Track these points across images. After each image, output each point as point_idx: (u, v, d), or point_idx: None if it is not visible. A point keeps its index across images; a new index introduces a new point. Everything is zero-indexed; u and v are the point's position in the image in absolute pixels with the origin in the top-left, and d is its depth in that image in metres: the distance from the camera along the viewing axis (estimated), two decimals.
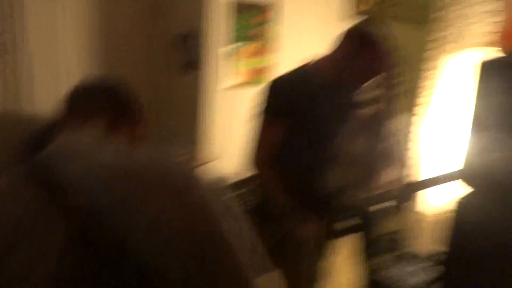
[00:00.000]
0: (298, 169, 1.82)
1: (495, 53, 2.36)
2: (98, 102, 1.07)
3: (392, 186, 1.96)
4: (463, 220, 2.27)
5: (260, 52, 3.10)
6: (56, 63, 2.43)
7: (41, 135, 1.03)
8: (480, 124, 2.03)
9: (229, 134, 3.09)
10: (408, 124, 3.03)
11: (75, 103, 1.07)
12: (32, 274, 0.77)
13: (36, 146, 0.93)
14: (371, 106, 1.91)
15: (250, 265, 0.88)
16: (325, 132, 1.79)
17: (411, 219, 3.26)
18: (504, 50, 2.28)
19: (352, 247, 2.42)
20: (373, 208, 1.96)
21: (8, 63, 2.20)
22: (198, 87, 3.01)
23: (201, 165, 2.73)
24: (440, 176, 1.91)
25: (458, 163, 1.92)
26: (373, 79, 1.84)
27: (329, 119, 1.79)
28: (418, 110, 3.21)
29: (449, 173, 1.90)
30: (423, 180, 2.01)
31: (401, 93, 1.96)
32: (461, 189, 2.34)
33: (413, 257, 3.10)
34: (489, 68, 2.16)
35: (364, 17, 3.32)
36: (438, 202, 3.06)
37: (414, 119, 3.20)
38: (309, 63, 1.87)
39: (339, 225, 1.92)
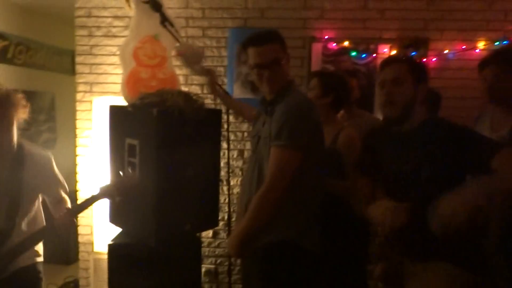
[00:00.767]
0: None
1: (121, 100, 2.60)
2: None
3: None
4: (113, 262, 2.29)
5: None
6: None
7: None
8: (113, 160, 2.40)
9: None
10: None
11: None
12: None
13: None
14: None
15: None
16: None
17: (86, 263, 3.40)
18: (126, 99, 2.51)
19: None
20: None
21: None
22: None
23: None
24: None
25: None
26: None
27: None
28: (75, 146, 3.48)
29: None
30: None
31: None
32: (114, 231, 2.41)
33: None
34: (115, 112, 2.37)
35: None
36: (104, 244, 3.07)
37: (74, 155, 3.46)
38: None
39: None
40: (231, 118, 3.35)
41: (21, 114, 1.88)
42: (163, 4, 2.65)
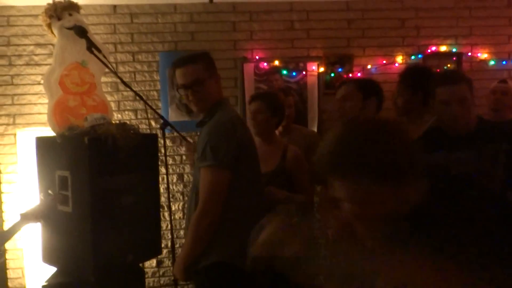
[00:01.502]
0: None
1: (49, 131, 2.48)
2: None
3: None
4: None
5: None
6: None
7: None
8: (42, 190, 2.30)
9: None
10: None
11: None
12: None
13: None
14: None
15: None
16: None
17: None
18: (54, 129, 2.40)
19: None
20: None
21: None
22: None
23: None
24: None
25: None
26: None
27: None
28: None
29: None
30: None
31: None
32: (48, 271, 2.25)
33: None
34: (42, 144, 2.25)
35: None
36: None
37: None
38: None
39: None
40: (168, 142, 3.30)
41: None
42: (88, 29, 2.57)
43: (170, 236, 2.94)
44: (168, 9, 3.32)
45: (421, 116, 2.29)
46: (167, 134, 3.07)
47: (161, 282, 3.32)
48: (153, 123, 3.27)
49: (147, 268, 3.31)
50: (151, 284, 3.33)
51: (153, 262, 3.32)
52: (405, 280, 0.86)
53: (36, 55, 3.24)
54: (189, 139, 2.84)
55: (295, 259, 1.06)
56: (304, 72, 3.38)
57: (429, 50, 3.42)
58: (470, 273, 0.90)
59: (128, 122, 2.77)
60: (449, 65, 3.41)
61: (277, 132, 2.73)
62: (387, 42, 3.43)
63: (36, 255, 2.62)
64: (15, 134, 3.21)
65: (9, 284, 3.24)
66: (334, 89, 3.32)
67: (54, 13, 2.62)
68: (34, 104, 3.25)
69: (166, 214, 3.10)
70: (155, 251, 2.55)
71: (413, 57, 3.40)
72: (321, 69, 3.37)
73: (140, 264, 2.72)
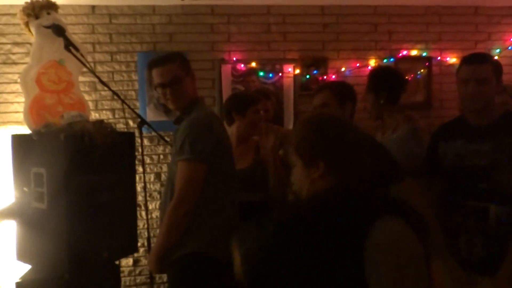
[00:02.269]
0: None
1: (25, 130, 2.48)
2: None
3: None
4: None
5: None
6: None
7: None
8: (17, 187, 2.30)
9: None
10: None
11: None
12: None
13: None
14: None
15: None
16: None
17: None
18: (30, 127, 2.41)
19: None
20: None
21: None
22: None
23: None
24: None
25: None
26: None
27: None
28: None
29: None
30: None
31: None
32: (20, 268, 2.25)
33: None
34: (18, 142, 2.26)
35: None
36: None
37: None
38: None
39: None
40: (146, 141, 3.33)
41: None
42: (66, 28, 2.59)
43: (147, 235, 2.98)
44: (146, 10, 3.36)
45: (391, 115, 2.35)
46: (145, 134, 3.09)
47: (137, 281, 3.34)
48: (131, 122, 3.29)
49: (124, 267, 3.32)
50: (128, 283, 3.34)
51: (130, 261, 3.33)
52: None
53: (13, 53, 3.23)
54: (166, 138, 2.88)
55: None
56: (280, 74, 3.46)
57: (400, 54, 3.55)
58: None
59: (106, 121, 2.79)
60: (422, 70, 3.54)
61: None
62: (361, 46, 3.54)
63: (10, 253, 2.61)
64: None
65: None
66: (309, 90, 3.42)
67: (32, 12, 2.63)
68: (11, 103, 3.23)
69: (143, 213, 3.12)
70: (131, 249, 2.57)
71: (385, 61, 3.52)
72: (297, 71, 3.45)
73: (117, 263, 2.74)
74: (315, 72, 3.46)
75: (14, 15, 3.07)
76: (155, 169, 3.41)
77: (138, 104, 3.35)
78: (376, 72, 2.52)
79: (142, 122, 2.48)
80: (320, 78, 3.44)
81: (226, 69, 3.41)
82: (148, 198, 3.29)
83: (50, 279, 2.22)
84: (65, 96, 2.63)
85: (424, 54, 3.58)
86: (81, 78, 3.22)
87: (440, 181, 2.02)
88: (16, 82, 3.19)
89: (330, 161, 1.15)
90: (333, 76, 3.49)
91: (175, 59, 2.02)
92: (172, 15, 3.40)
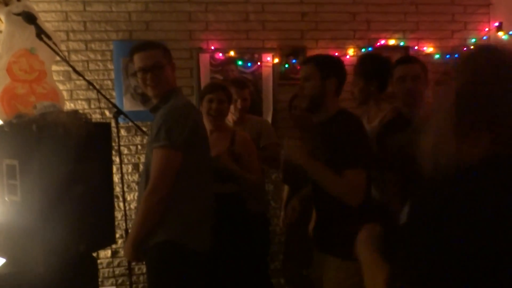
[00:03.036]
0: None
1: None
2: None
3: None
4: None
5: None
6: None
7: None
8: None
9: None
10: None
11: None
12: None
13: None
14: None
15: None
16: None
17: None
18: (2, 118, 2.34)
19: None
20: None
21: None
22: None
23: None
24: None
25: None
26: None
27: None
28: None
29: None
30: None
31: None
32: None
33: None
34: None
35: None
36: None
37: None
38: None
39: None
40: (123, 131, 3.28)
41: None
42: (37, 16, 2.52)
43: (125, 226, 2.95)
44: None
45: (378, 104, 2.37)
46: (122, 124, 3.05)
47: (116, 272, 3.31)
48: (107, 112, 3.23)
49: (102, 259, 3.29)
50: (106, 275, 3.31)
51: (108, 252, 3.30)
52: None
53: None
54: (143, 128, 2.84)
55: None
56: (259, 63, 3.44)
57: (378, 44, 3.57)
58: None
59: (81, 111, 2.73)
60: None
61: (231, 121, 2.78)
62: (339, 35, 3.55)
63: None
64: None
65: None
66: (288, 80, 3.41)
67: None
68: None
69: (122, 204, 3.09)
70: (109, 240, 2.54)
71: (363, 50, 3.53)
72: (276, 60, 3.44)
73: (95, 255, 2.71)
74: (294, 61, 3.45)
75: None
76: (133, 160, 3.37)
77: (114, 93, 3.29)
78: (369, 58, 2.50)
79: (118, 112, 2.44)
80: (299, 68, 3.43)
81: (204, 58, 3.37)
82: (126, 189, 3.26)
83: (25, 272, 2.18)
84: (38, 86, 2.57)
85: (402, 43, 3.61)
86: (55, 68, 3.15)
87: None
88: None
89: (497, 127, 0.90)
90: None
91: (158, 46, 2.04)
92: (148, 3, 3.33)
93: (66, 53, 3.13)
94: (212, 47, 3.38)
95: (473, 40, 3.69)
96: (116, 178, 3.10)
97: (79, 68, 2.87)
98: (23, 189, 2.13)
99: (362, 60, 2.48)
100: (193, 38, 3.38)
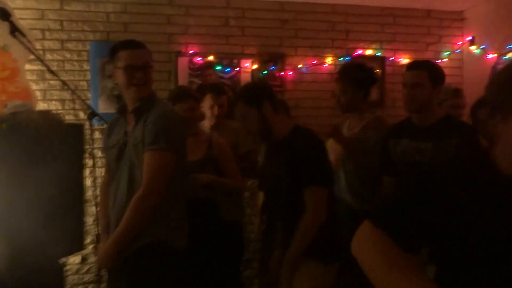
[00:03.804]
0: None
1: None
2: None
3: None
4: None
5: None
6: None
7: None
8: None
9: None
10: None
11: None
12: None
13: None
14: None
15: None
16: None
17: None
18: None
19: None
20: None
21: None
22: None
23: None
24: None
25: None
26: None
27: None
28: None
29: None
30: None
31: None
32: None
33: None
34: None
35: None
36: None
37: None
38: None
39: None
40: (97, 133, 3.21)
41: None
42: (12, 12, 2.45)
43: (96, 231, 2.88)
44: None
45: (362, 113, 2.43)
46: (96, 126, 2.98)
47: (85, 279, 3.22)
48: (81, 114, 3.17)
49: (71, 265, 3.20)
50: (75, 281, 3.21)
51: (78, 258, 3.21)
52: None
53: None
54: None
55: None
56: (238, 69, 3.44)
57: (356, 53, 3.62)
58: None
59: (54, 112, 2.67)
60: (377, 70, 3.62)
61: (208, 126, 2.76)
62: (318, 44, 3.58)
63: None
64: None
65: None
66: None
67: None
68: None
69: (93, 208, 3.01)
70: (77, 247, 2.48)
71: (341, 59, 3.58)
72: (255, 66, 3.45)
73: (64, 260, 2.63)
74: (272, 67, 3.46)
75: None
76: None
77: (89, 95, 3.23)
78: (359, 67, 2.52)
79: (92, 114, 2.38)
80: (277, 74, 3.46)
81: (183, 62, 3.35)
82: (98, 193, 3.18)
83: None
84: (10, 84, 2.50)
85: (379, 54, 3.67)
86: (28, 66, 3.07)
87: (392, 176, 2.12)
88: None
89: None
90: (290, 73, 3.51)
91: (145, 46, 1.96)
92: (127, 4, 3.29)
93: (41, 52, 3.06)
94: (191, 51, 3.36)
95: (447, 53, 3.79)
96: (88, 181, 3.04)
97: (54, 67, 2.81)
98: None
99: (352, 68, 2.51)
100: (172, 41, 3.35)
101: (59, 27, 3.21)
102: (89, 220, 3.15)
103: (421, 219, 0.98)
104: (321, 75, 3.57)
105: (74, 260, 3.20)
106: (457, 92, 2.76)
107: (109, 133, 2.02)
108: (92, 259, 3.23)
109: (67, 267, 3.14)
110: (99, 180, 3.22)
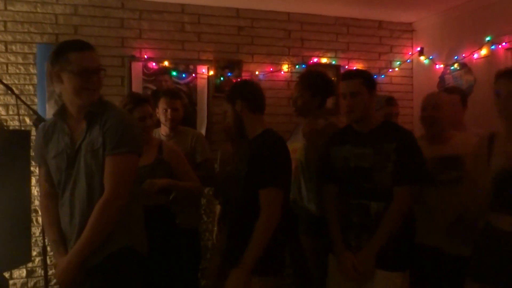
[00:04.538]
0: None
1: None
2: None
3: None
4: None
5: None
6: None
7: None
8: None
9: None
10: None
11: None
12: None
13: None
14: None
15: None
16: None
17: None
18: None
19: None
20: None
21: None
22: None
23: None
24: None
25: None
26: None
27: None
28: None
29: None
30: None
31: None
32: None
33: None
34: None
35: None
36: None
37: None
38: None
39: None
40: None
41: None
42: None
43: (42, 243, 2.72)
44: None
45: (316, 119, 2.47)
46: None
47: None
48: (27, 120, 3.00)
49: (16, 279, 3.01)
50: None
51: (23, 271, 3.03)
52: None
53: None
54: None
55: None
56: (194, 75, 3.39)
57: (311, 61, 3.68)
58: None
59: None
60: (332, 78, 3.68)
61: (163, 134, 2.70)
62: (274, 51, 3.61)
63: None
64: None
65: None
66: (223, 92, 3.38)
67: None
68: None
69: (40, 218, 2.86)
70: (24, 258, 2.33)
71: (297, 67, 3.62)
72: (211, 73, 3.42)
73: (8, 274, 2.47)
74: (229, 74, 3.44)
75: None
76: None
77: (36, 100, 3.07)
78: (319, 76, 2.57)
79: (39, 120, 2.26)
80: (234, 81, 3.44)
81: (137, 67, 3.26)
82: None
83: None
84: None
85: (334, 62, 3.75)
86: None
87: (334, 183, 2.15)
88: None
89: None
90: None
91: (94, 48, 1.83)
92: (78, 6, 3.17)
93: None
94: (145, 56, 3.28)
95: (398, 62, 3.93)
96: (35, 190, 2.88)
97: None
98: None
99: (312, 75, 2.58)
100: (125, 45, 3.26)
101: (3, 28, 3.04)
102: (36, 231, 2.99)
103: None
104: (278, 82, 3.59)
105: (19, 273, 3.02)
106: (390, 101, 2.86)
107: (45, 140, 1.89)
108: (39, 272, 3.05)
109: (12, 281, 2.96)
110: None
